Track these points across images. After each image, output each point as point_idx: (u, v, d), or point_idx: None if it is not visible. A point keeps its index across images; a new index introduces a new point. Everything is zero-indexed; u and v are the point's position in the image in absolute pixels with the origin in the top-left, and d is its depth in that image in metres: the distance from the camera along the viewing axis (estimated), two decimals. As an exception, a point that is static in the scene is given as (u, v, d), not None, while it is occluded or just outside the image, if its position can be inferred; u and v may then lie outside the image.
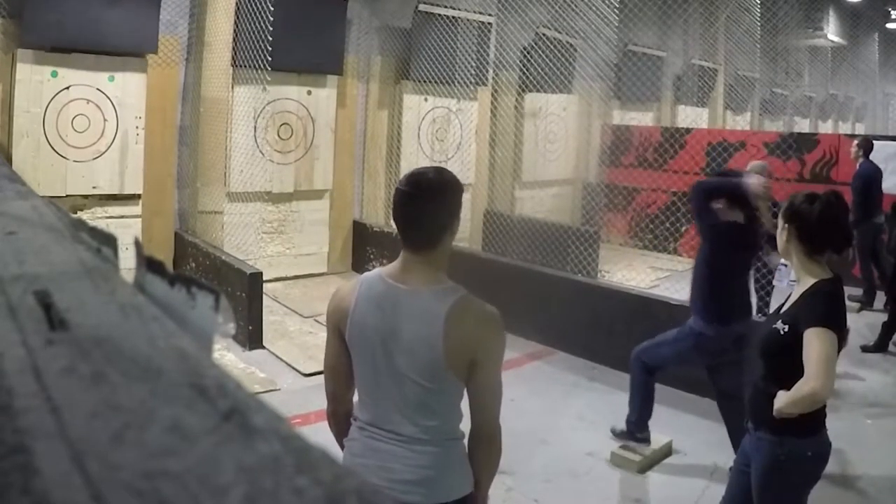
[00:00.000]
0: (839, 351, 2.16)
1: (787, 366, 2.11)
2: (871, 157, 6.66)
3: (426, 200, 1.66)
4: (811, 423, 2.14)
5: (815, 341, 2.06)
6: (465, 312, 1.65)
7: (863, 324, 6.30)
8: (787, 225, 2.22)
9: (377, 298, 1.70)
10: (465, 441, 1.77)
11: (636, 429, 3.67)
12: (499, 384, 1.72)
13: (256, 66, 5.94)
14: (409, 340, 1.65)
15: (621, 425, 3.74)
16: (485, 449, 1.75)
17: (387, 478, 1.66)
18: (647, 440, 3.69)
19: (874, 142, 6.81)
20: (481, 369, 1.67)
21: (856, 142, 6.82)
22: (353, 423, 1.78)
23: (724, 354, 3.41)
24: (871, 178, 6.51)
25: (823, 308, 2.13)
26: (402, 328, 1.66)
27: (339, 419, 1.84)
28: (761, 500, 2.24)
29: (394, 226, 1.76)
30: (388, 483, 1.66)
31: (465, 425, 1.75)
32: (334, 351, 1.79)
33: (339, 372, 1.80)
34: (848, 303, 7.37)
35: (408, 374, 1.66)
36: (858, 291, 6.75)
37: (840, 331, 2.10)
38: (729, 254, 3.40)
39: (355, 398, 1.82)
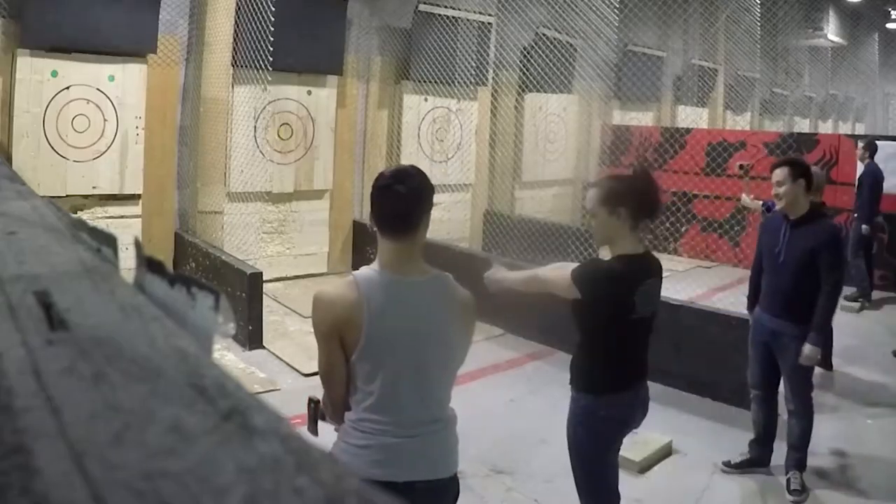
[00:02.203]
0: None
1: (580, 326, 2.37)
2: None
3: (420, 193, 1.78)
4: (605, 384, 2.35)
5: (557, 272, 2.35)
6: (462, 296, 1.83)
7: (861, 323, 6.30)
8: (619, 208, 2.26)
9: (389, 294, 1.74)
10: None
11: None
12: None
13: (256, 66, 5.94)
14: (434, 328, 1.77)
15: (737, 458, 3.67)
16: None
17: (421, 467, 1.75)
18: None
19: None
20: (467, 345, 1.86)
21: (862, 144, 6.90)
22: (363, 426, 1.74)
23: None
24: (877, 178, 6.64)
25: (585, 269, 2.33)
26: (426, 319, 1.76)
27: (341, 416, 1.83)
28: (569, 452, 2.44)
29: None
30: (424, 470, 1.75)
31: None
32: (335, 357, 1.75)
33: (342, 376, 1.77)
34: (849, 303, 7.31)
35: (433, 361, 1.78)
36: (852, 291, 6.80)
37: (587, 294, 2.26)
38: None
39: (365, 402, 1.77)
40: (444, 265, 1.82)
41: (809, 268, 3.23)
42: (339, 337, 1.73)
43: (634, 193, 2.29)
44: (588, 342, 2.39)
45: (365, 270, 1.78)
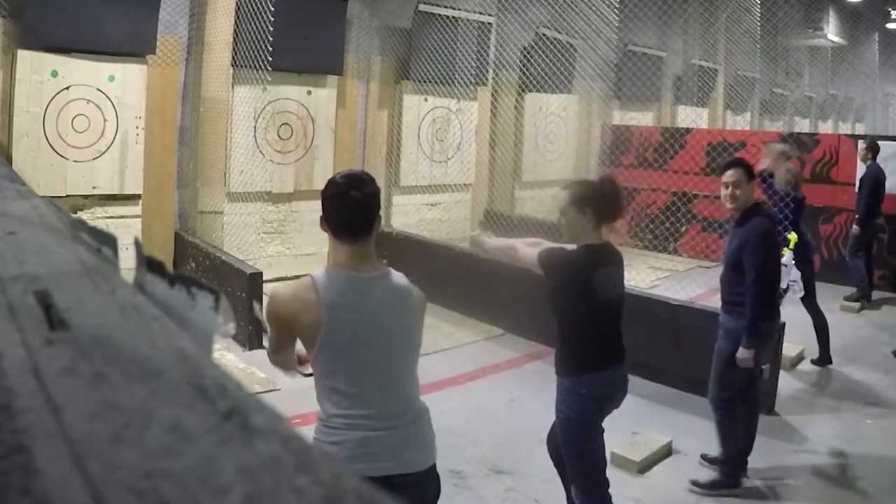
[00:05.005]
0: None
1: (555, 314, 2.60)
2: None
3: (376, 198, 1.87)
4: (582, 365, 2.58)
5: (529, 250, 2.64)
6: (415, 292, 1.91)
7: (861, 323, 6.30)
8: (586, 208, 2.54)
9: (347, 291, 1.80)
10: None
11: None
12: None
13: (256, 66, 5.94)
14: (393, 322, 1.82)
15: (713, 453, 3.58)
16: None
17: (396, 460, 1.76)
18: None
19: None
20: (420, 335, 1.93)
21: (864, 144, 6.90)
22: (334, 422, 1.78)
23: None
24: (878, 179, 6.64)
25: (550, 254, 2.57)
26: (384, 312, 1.82)
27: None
28: (559, 438, 2.68)
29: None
30: (399, 463, 1.76)
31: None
32: (286, 342, 1.88)
33: (291, 353, 1.92)
34: (849, 303, 7.29)
35: (396, 354, 1.82)
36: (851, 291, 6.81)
37: (548, 276, 2.56)
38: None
39: (332, 398, 1.82)
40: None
41: (738, 265, 3.32)
42: (290, 332, 1.84)
43: (600, 196, 2.58)
44: (563, 329, 2.62)
45: (321, 270, 1.85)
